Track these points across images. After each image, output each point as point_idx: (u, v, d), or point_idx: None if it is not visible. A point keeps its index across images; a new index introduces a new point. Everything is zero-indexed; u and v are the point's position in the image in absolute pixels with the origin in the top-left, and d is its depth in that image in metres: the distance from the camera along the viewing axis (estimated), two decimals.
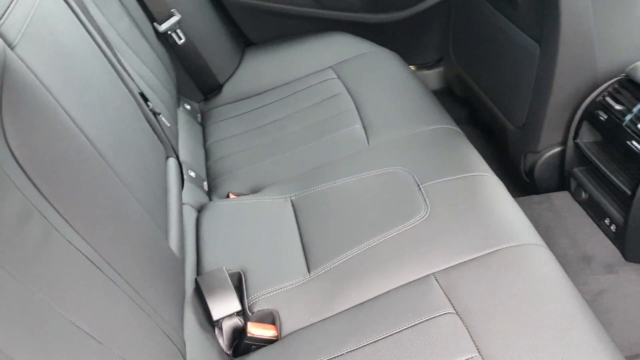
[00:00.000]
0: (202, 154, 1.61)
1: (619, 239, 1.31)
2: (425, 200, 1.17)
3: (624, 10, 1.27)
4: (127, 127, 1.07)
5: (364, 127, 1.47)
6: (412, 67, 1.91)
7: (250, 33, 1.96)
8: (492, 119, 1.67)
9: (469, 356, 0.91)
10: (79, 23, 1.04)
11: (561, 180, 1.50)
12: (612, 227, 1.32)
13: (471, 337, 0.94)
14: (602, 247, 1.34)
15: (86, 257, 0.75)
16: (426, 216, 1.14)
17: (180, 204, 1.20)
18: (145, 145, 1.13)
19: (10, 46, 0.76)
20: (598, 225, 1.38)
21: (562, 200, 1.46)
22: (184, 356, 0.94)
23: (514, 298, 0.99)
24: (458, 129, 1.43)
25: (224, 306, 1.07)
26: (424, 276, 1.05)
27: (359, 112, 1.53)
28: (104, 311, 0.77)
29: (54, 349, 0.63)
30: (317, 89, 1.70)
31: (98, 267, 0.78)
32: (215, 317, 1.06)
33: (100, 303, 0.77)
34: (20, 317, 0.60)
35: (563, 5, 1.24)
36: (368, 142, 1.42)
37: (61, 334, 0.66)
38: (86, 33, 1.05)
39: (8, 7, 0.80)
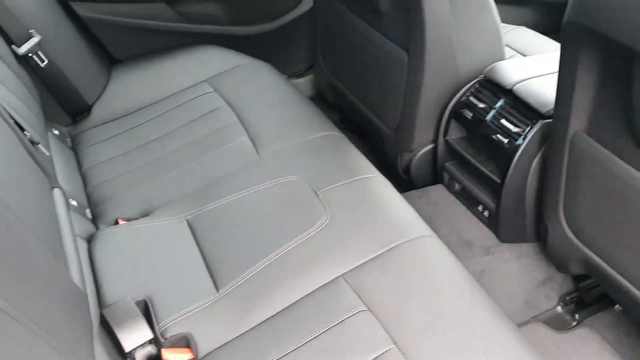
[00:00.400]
0: (80, 181, 1.52)
1: (492, 223, 1.45)
2: (324, 207, 1.22)
3: (478, 18, 1.42)
4: (10, 160, 0.99)
5: (251, 139, 1.48)
6: (284, 76, 1.96)
7: (115, 51, 1.88)
8: (366, 123, 1.77)
9: (386, 349, 0.97)
10: None
11: (435, 175, 1.63)
12: (486, 213, 1.46)
13: (385, 330, 1.00)
14: (479, 232, 1.48)
15: None
16: (327, 222, 1.19)
17: (74, 234, 1.14)
18: (30, 178, 1.05)
19: None
20: (472, 213, 1.52)
21: (438, 192, 1.59)
22: None
23: (417, 287, 1.07)
24: (341, 134, 1.50)
25: (134, 336, 1.03)
26: (333, 279, 1.10)
27: (242, 124, 1.54)
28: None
29: None
30: (194, 104, 1.68)
31: (7, 314, 0.72)
32: (127, 348, 1.01)
33: (14, 352, 0.71)
34: None
35: (426, 16, 1.35)
36: (258, 154, 1.44)
37: None
38: None
39: None
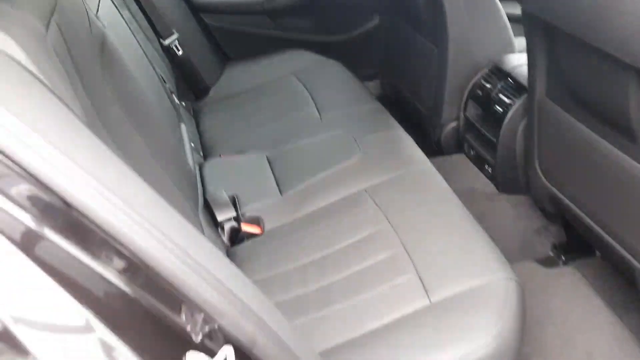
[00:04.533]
0: (197, 135, 2.14)
1: (493, 176, 1.89)
2: (358, 147, 1.74)
3: (489, 18, 1.89)
4: (160, 94, 1.62)
5: (317, 110, 2.03)
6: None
7: (229, 49, 2.53)
8: (412, 109, 2.27)
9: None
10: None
11: (459, 145, 2.09)
12: (489, 170, 1.90)
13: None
14: (483, 184, 1.92)
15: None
16: (360, 154, 1.71)
17: (189, 140, 1.74)
18: (168, 107, 1.67)
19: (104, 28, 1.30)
20: (482, 172, 1.96)
21: (458, 157, 2.05)
22: None
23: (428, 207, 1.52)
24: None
25: (224, 213, 1.59)
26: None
27: (314, 101, 2.10)
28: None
29: None
30: (282, 88, 2.26)
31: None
32: (219, 219, 1.58)
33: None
34: None
35: (447, 19, 1.85)
36: (320, 119, 1.99)
37: None
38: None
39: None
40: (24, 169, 0.61)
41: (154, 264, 0.69)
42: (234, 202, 1.64)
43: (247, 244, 1.56)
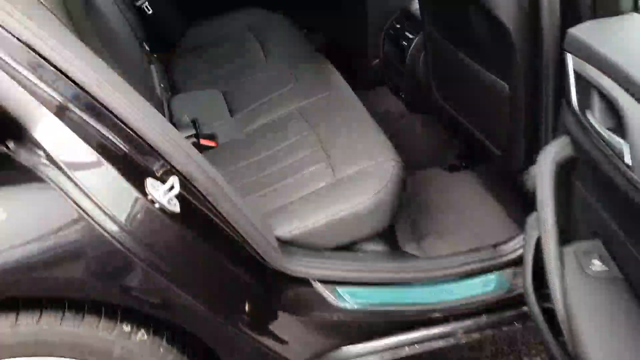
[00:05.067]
0: (167, 79, 2.57)
1: (405, 101, 2.35)
2: (295, 78, 2.18)
3: None
4: (133, 41, 2.05)
5: (264, 54, 2.47)
6: None
7: (193, 9, 2.94)
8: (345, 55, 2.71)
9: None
10: None
11: (381, 78, 2.53)
12: (402, 96, 2.36)
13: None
14: (398, 108, 2.38)
15: None
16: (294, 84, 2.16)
17: (159, 81, 2.18)
18: (140, 53, 2.11)
19: None
20: (397, 97, 2.41)
21: (381, 89, 2.50)
22: None
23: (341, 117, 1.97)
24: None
25: (186, 132, 2.03)
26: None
27: (262, 47, 2.53)
28: None
29: None
30: (236, 39, 2.69)
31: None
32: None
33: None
34: None
35: None
36: (266, 61, 2.43)
37: None
38: None
39: None
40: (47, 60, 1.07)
41: (135, 127, 1.16)
42: (194, 124, 2.09)
43: (205, 154, 2.01)
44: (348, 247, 1.68)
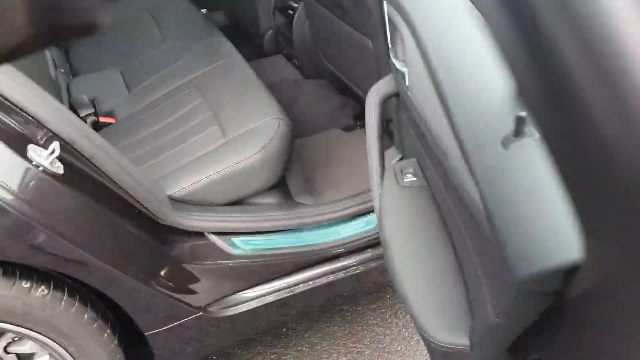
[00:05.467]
0: (68, 64, 2.63)
1: (297, 64, 2.50)
2: (189, 52, 2.29)
3: None
4: None
5: (160, 32, 2.56)
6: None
7: None
8: (244, 29, 2.82)
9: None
10: None
11: (277, 47, 2.67)
12: (296, 62, 2.50)
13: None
14: (294, 75, 2.53)
15: None
16: (188, 57, 2.26)
17: (54, 64, 2.24)
18: None
19: None
20: (291, 63, 2.56)
21: (277, 58, 2.64)
22: None
23: (231, 83, 2.12)
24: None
25: (86, 110, 2.12)
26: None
27: (158, 26, 2.62)
28: None
29: None
30: (134, 20, 2.76)
31: None
32: (81, 115, 2.10)
33: None
34: None
35: None
36: (161, 38, 2.52)
37: None
38: None
39: None
40: None
41: (14, 99, 1.26)
42: (93, 103, 2.17)
43: (104, 130, 2.10)
44: (244, 202, 1.83)
